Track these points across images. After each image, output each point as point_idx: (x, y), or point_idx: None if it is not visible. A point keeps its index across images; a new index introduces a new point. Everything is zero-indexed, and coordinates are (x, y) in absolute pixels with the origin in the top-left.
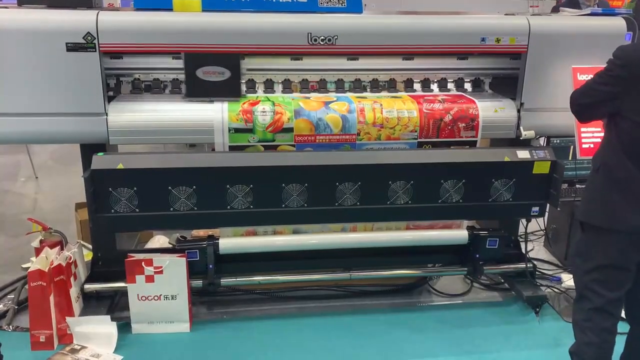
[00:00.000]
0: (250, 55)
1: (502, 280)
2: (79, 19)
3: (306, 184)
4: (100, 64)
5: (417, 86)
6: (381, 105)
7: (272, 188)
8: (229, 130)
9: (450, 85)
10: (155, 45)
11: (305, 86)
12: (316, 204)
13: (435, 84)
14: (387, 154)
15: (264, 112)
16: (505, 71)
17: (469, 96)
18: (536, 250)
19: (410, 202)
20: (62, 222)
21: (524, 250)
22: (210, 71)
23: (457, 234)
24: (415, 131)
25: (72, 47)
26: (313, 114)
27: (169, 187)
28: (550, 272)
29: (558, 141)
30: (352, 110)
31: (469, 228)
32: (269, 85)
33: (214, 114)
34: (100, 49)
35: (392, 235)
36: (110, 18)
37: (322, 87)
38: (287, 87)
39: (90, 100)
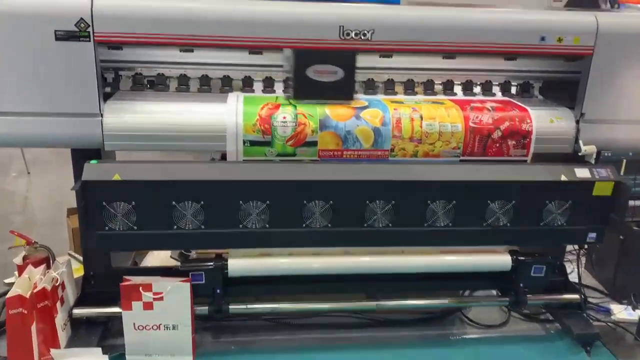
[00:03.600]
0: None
1: (544, 310)
2: (71, 3)
3: (331, 202)
4: (95, 56)
5: (457, 89)
6: (421, 116)
7: (292, 205)
8: (244, 143)
9: (495, 89)
10: (166, 36)
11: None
12: (342, 224)
13: (478, 87)
14: (425, 169)
15: (284, 122)
16: (560, 75)
17: (519, 103)
18: (575, 272)
19: (451, 224)
20: (53, 224)
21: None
22: (323, 70)
23: (500, 259)
24: (459, 148)
25: (62, 36)
26: (341, 125)
27: (173, 202)
28: (595, 301)
29: (609, 154)
30: (386, 123)
31: (511, 252)
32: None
33: (228, 117)
34: (95, 38)
35: (426, 260)
36: (108, 2)
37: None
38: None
39: (83, 98)
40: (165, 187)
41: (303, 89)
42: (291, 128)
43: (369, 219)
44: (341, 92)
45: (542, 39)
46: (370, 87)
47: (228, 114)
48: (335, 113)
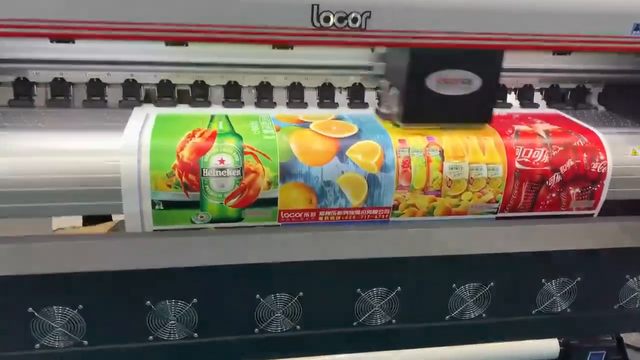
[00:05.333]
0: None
1: None
2: None
3: (300, 293)
4: None
5: None
6: (441, 152)
7: (236, 303)
8: (154, 204)
9: (536, 97)
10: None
11: (298, 96)
12: (319, 324)
13: (512, 93)
14: (448, 236)
15: (221, 170)
16: (632, 76)
17: (576, 120)
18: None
19: (485, 315)
20: None
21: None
22: (453, 78)
23: (544, 345)
24: (496, 201)
25: None
26: (316, 172)
27: (31, 310)
28: None
29: None
30: (388, 166)
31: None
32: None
33: (124, 160)
34: None
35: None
36: None
37: (326, 96)
38: (265, 95)
39: None
40: (16, 287)
41: (416, 108)
42: (234, 179)
43: (360, 315)
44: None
45: (637, 28)
46: (355, 95)
47: (124, 153)
48: (306, 149)
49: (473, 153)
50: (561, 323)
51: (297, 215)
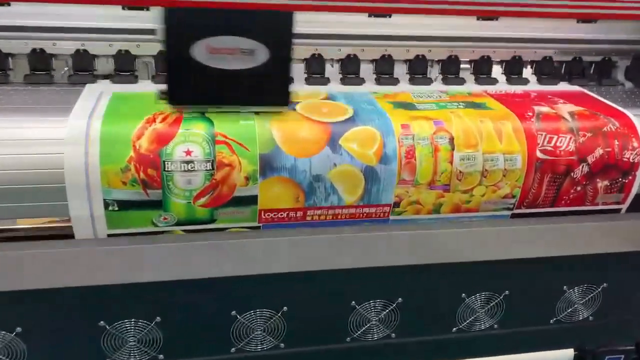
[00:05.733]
0: None
1: None
2: None
3: (285, 308)
4: None
5: (495, 69)
6: (451, 140)
7: (209, 320)
8: (107, 204)
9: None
10: None
11: None
12: (306, 341)
13: (528, 68)
14: (457, 238)
15: (189, 163)
16: None
17: (603, 99)
18: None
19: (497, 326)
20: None
21: None
22: (227, 48)
23: (558, 350)
24: (513, 196)
25: None
26: (303, 165)
27: None
28: None
29: None
30: (388, 156)
31: None
32: None
33: (69, 152)
34: None
35: None
36: None
37: (315, 70)
38: None
39: None
40: None
41: (183, 86)
42: (203, 175)
43: (355, 330)
44: (265, 93)
45: None
46: (350, 67)
47: (69, 142)
48: (292, 137)
49: (488, 140)
50: (582, 332)
51: (281, 215)
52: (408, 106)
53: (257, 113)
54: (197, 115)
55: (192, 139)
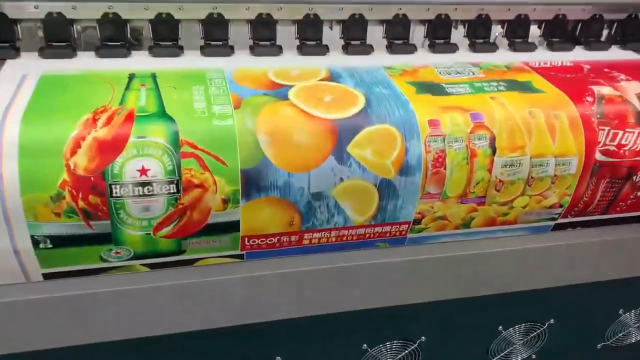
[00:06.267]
0: None
1: None
2: None
3: (278, 358)
4: None
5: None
6: (492, 140)
7: None
8: (37, 241)
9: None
10: None
11: (267, 34)
12: None
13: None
14: (492, 260)
15: (144, 187)
16: None
17: None
18: None
19: (534, 357)
20: None
21: None
22: None
23: None
24: (561, 206)
25: None
26: (300, 181)
27: None
28: None
29: None
30: (411, 166)
31: None
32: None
33: None
34: None
35: None
36: None
37: (310, 35)
38: (217, 34)
39: None
40: None
41: None
42: (165, 200)
43: None
44: None
45: None
46: (354, 31)
47: None
48: (285, 144)
49: (538, 139)
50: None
51: (270, 240)
52: (435, 89)
53: (236, 105)
54: (155, 111)
55: (147, 152)
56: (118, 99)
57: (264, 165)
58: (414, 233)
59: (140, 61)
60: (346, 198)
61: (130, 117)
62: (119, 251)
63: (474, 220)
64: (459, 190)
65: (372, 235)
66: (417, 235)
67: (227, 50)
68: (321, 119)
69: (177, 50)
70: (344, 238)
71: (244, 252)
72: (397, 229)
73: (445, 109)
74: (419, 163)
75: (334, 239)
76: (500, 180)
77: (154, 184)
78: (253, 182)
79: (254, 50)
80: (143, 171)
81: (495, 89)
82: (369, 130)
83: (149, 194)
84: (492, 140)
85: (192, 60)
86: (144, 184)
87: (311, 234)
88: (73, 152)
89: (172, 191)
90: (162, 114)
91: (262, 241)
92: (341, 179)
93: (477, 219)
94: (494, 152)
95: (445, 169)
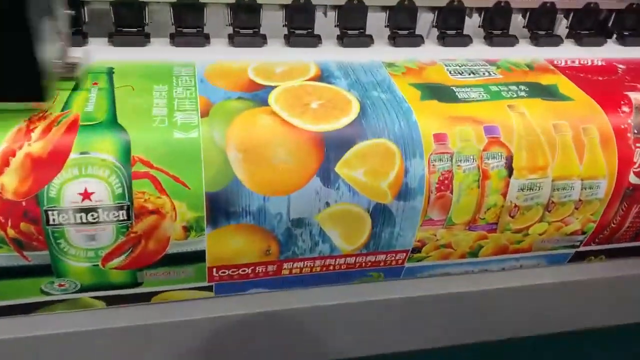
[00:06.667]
0: None
1: None
2: None
3: None
4: None
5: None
6: (507, 160)
7: None
8: None
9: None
10: None
11: (249, 20)
12: None
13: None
14: (504, 296)
15: (87, 213)
16: None
17: None
18: None
19: None
20: None
21: None
22: None
23: None
24: (584, 232)
25: None
26: (277, 207)
27: None
28: None
29: None
30: (411, 190)
31: None
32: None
33: None
34: None
35: None
36: None
37: (299, 22)
38: (192, 20)
39: None
40: None
41: None
42: (114, 228)
43: None
44: None
45: None
46: (352, 18)
47: None
48: (260, 163)
49: (563, 158)
50: None
51: (243, 271)
52: (443, 94)
53: (204, 112)
54: (104, 119)
55: (92, 172)
56: (62, 102)
57: (234, 188)
58: (413, 262)
59: (98, 51)
60: (333, 225)
61: (73, 127)
62: (62, 284)
63: (482, 249)
64: (466, 216)
65: (363, 264)
66: (417, 264)
67: (202, 39)
68: (305, 131)
69: (142, 38)
70: (331, 267)
71: (212, 283)
72: (392, 258)
73: (455, 120)
74: (421, 186)
75: (318, 269)
76: (515, 206)
77: (100, 210)
78: (221, 208)
79: (234, 40)
80: (86, 195)
81: (515, 95)
82: (363, 145)
83: (94, 221)
84: (509, 159)
85: (159, 51)
86: (87, 210)
87: (291, 263)
88: (0, 172)
89: (121, 218)
90: (112, 123)
91: (233, 272)
92: (327, 204)
93: (487, 247)
94: (510, 173)
95: (451, 192)
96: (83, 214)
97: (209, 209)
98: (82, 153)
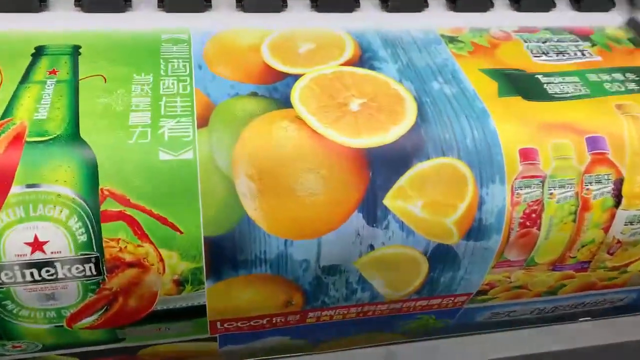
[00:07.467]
0: None
1: None
2: None
3: None
4: None
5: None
6: (616, 185)
7: None
8: None
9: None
10: None
11: None
12: None
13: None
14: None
15: (40, 269)
16: None
17: None
18: None
19: None
20: None
21: None
22: None
23: None
24: None
25: None
26: (303, 252)
27: None
28: None
29: None
30: (487, 228)
31: None
32: None
33: None
34: None
35: None
36: None
37: None
38: None
39: None
40: None
41: None
42: (80, 286)
43: None
44: None
45: None
46: None
47: None
48: (282, 197)
49: None
50: None
51: (256, 322)
52: (528, 86)
53: (201, 123)
54: (61, 132)
55: (42, 213)
56: (4, 102)
57: (245, 230)
58: (474, 304)
59: (61, 17)
60: (378, 271)
61: (15, 145)
62: (18, 345)
63: (564, 288)
64: (553, 256)
65: (412, 309)
66: (477, 305)
67: (200, 2)
68: (343, 147)
69: (121, 1)
70: (370, 313)
71: (215, 335)
72: (450, 301)
73: (548, 129)
74: (500, 222)
75: (353, 315)
76: (618, 242)
77: (57, 265)
78: (226, 256)
79: (243, 2)
80: (37, 245)
81: (623, 88)
82: (422, 167)
83: (51, 278)
84: (618, 183)
85: (143, 18)
86: (39, 265)
87: (319, 312)
88: None
89: (89, 274)
90: (73, 139)
91: (243, 323)
92: (371, 247)
93: (570, 286)
94: (618, 202)
95: (538, 229)
96: (34, 270)
97: (209, 259)
98: (28, 186)
